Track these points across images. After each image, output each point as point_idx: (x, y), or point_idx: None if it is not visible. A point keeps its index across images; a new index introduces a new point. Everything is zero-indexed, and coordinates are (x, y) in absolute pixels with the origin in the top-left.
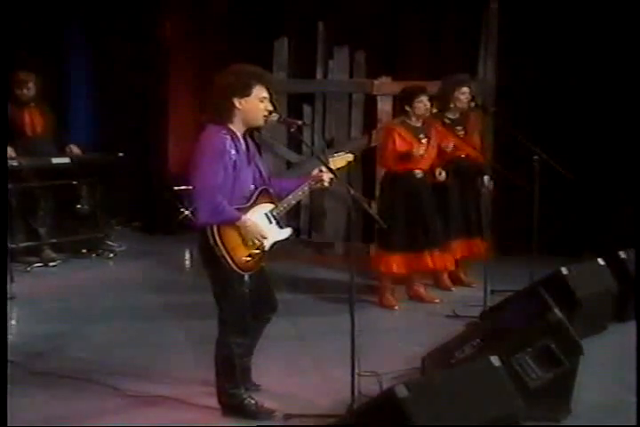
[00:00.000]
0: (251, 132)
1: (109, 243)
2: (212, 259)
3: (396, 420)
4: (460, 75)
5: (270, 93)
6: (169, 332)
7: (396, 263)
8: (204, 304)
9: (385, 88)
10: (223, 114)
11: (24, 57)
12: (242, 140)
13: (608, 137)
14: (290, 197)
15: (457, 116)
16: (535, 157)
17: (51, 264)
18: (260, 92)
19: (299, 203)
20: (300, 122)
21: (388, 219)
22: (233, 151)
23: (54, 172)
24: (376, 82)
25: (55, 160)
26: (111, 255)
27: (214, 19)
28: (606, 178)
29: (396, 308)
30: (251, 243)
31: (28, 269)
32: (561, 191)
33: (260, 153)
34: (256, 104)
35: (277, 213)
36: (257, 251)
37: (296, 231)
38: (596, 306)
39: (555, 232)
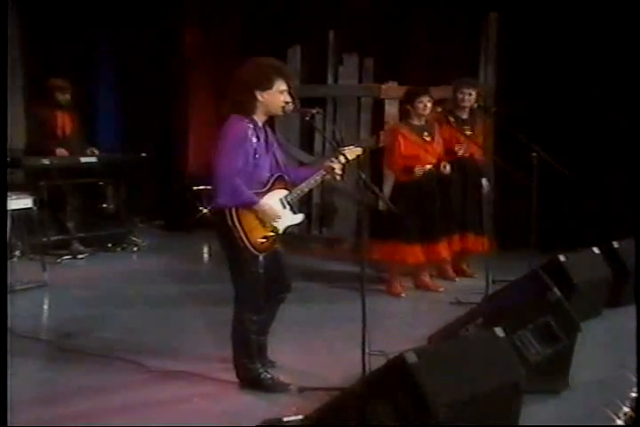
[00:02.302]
0: (270, 123)
1: (133, 238)
2: (229, 240)
3: (405, 385)
4: (467, 78)
5: (289, 86)
6: (189, 316)
7: (398, 253)
8: (221, 292)
9: (392, 92)
10: (245, 106)
11: (57, 65)
12: (262, 130)
13: (604, 135)
14: (303, 184)
15: (466, 116)
16: (533, 154)
17: (79, 257)
18: (280, 85)
19: (310, 200)
20: (314, 110)
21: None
22: (254, 139)
23: (82, 171)
24: (383, 86)
25: (84, 159)
26: (135, 249)
27: (231, 29)
28: (602, 174)
29: (403, 295)
30: (268, 225)
31: (59, 260)
32: (558, 187)
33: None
34: (276, 96)
35: (291, 199)
36: (272, 233)
37: (308, 227)
38: (592, 292)
39: (552, 227)
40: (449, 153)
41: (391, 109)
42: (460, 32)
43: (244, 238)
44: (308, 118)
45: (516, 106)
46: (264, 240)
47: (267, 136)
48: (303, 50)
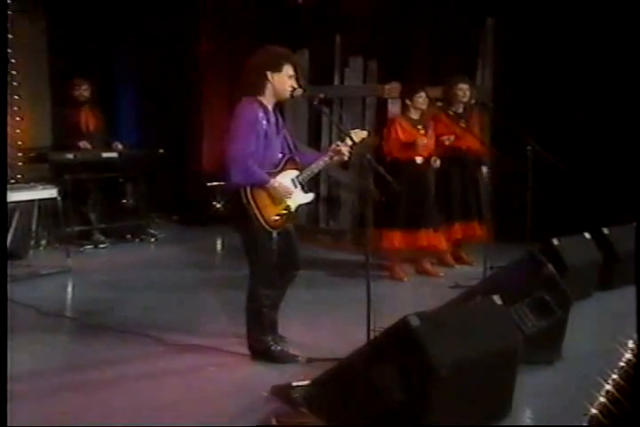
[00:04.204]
0: (280, 107)
1: (151, 230)
2: (243, 218)
3: (408, 347)
4: (460, 75)
5: (297, 73)
6: (203, 298)
7: (397, 239)
8: (232, 278)
9: (394, 92)
10: (256, 86)
11: (81, 66)
12: (272, 113)
13: (600, 130)
14: (313, 165)
15: (461, 110)
16: (528, 148)
17: (100, 246)
18: (288, 70)
19: (318, 195)
20: (321, 95)
21: (392, 200)
22: (264, 122)
23: (103, 165)
24: (387, 87)
25: (105, 154)
26: (152, 240)
27: (243, 33)
28: (596, 168)
29: (405, 280)
30: (279, 202)
31: (81, 249)
32: (553, 180)
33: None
34: (285, 80)
35: (302, 179)
36: (284, 211)
37: (315, 219)
38: (583, 273)
39: (548, 219)
40: (443, 146)
41: (394, 108)
42: (459, 36)
43: (259, 215)
44: (315, 103)
45: (512, 107)
46: (278, 218)
47: (277, 119)
48: (311, 53)
